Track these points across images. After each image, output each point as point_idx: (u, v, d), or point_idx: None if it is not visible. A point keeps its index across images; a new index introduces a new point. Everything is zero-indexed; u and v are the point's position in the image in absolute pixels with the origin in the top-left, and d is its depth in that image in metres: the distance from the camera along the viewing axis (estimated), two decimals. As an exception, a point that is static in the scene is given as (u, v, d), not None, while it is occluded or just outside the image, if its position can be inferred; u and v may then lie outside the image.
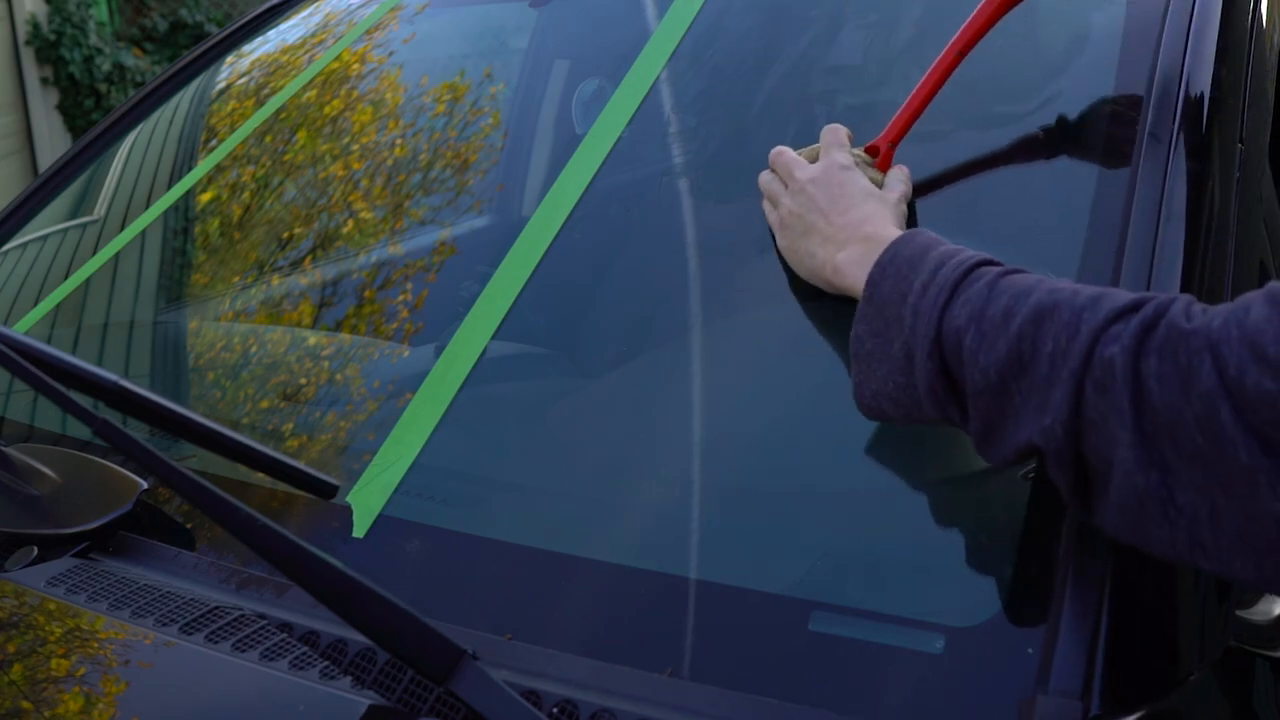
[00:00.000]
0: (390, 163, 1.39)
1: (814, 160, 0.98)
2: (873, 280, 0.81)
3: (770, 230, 0.99)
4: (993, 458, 0.73)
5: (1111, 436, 0.64)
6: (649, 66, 1.21)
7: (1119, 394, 0.63)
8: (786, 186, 0.97)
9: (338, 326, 1.22)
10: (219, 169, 1.50)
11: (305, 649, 0.81)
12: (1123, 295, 0.67)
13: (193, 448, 1.02)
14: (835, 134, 0.99)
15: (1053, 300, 0.69)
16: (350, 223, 1.33)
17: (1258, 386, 0.57)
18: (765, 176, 1.01)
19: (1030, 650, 0.70)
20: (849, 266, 0.86)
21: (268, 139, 1.50)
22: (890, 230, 0.87)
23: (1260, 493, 0.57)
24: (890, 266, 0.80)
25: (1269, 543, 0.58)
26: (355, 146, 1.44)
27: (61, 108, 6.61)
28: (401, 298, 1.22)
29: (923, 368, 0.74)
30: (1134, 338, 0.63)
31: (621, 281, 1.12)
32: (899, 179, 0.97)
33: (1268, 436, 0.57)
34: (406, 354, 1.14)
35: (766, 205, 1.00)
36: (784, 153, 0.99)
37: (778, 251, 0.97)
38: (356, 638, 0.80)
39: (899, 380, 0.77)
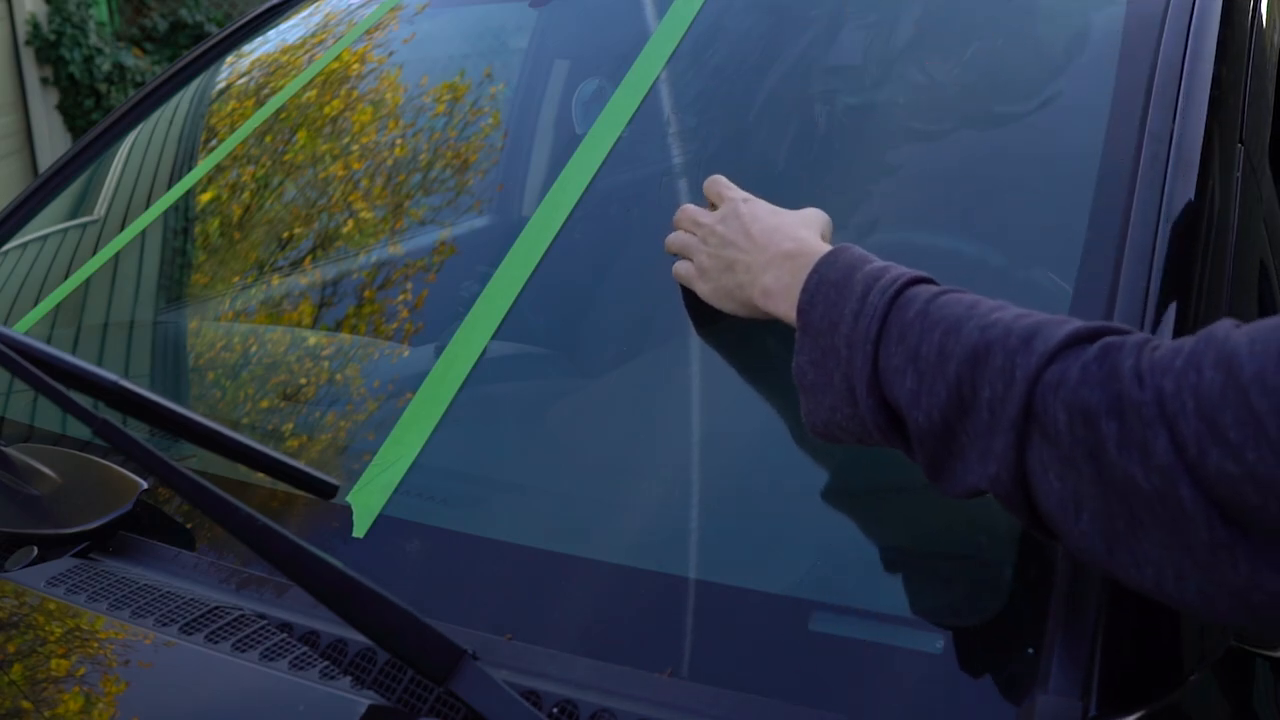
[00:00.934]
0: (390, 163, 1.39)
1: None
2: (802, 309, 0.79)
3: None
4: (944, 492, 0.72)
5: (1066, 491, 0.62)
6: (649, 66, 1.21)
7: (1071, 450, 0.61)
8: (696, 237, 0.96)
9: (338, 326, 1.22)
10: (219, 169, 1.50)
11: (305, 649, 0.80)
12: (1056, 330, 0.64)
13: (193, 448, 1.02)
14: (718, 183, 0.98)
15: (985, 340, 0.67)
16: (350, 223, 1.33)
17: (1220, 469, 0.54)
18: (674, 235, 1.00)
19: (1030, 650, 0.70)
20: (777, 289, 0.84)
21: (268, 139, 1.50)
22: (808, 239, 0.86)
23: (1222, 568, 0.55)
24: (818, 293, 0.79)
25: (1231, 608, 0.56)
26: (355, 146, 1.44)
27: (61, 108, 6.61)
28: (401, 298, 1.22)
29: (865, 403, 0.73)
30: (1076, 393, 0.61)
31: (621, 281, 1.12)
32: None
33: (1229, 509, 0.54)
34: (406, 354, 1.14)
35: (678, 266, 0.98)
36: (687, 209, 0.99)
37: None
38: (356, 638, 0.80)
39: (846, 410, 0.76)
